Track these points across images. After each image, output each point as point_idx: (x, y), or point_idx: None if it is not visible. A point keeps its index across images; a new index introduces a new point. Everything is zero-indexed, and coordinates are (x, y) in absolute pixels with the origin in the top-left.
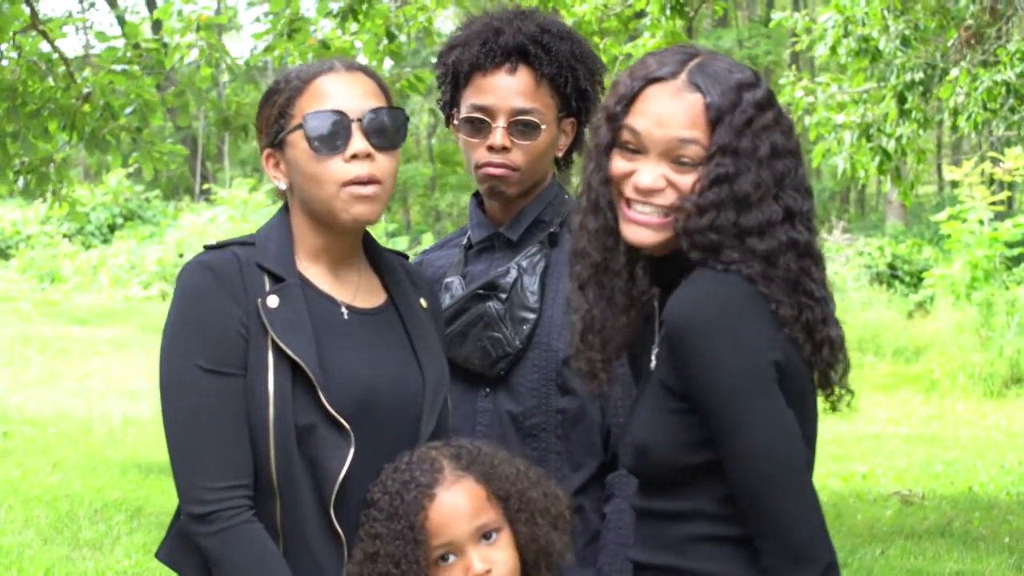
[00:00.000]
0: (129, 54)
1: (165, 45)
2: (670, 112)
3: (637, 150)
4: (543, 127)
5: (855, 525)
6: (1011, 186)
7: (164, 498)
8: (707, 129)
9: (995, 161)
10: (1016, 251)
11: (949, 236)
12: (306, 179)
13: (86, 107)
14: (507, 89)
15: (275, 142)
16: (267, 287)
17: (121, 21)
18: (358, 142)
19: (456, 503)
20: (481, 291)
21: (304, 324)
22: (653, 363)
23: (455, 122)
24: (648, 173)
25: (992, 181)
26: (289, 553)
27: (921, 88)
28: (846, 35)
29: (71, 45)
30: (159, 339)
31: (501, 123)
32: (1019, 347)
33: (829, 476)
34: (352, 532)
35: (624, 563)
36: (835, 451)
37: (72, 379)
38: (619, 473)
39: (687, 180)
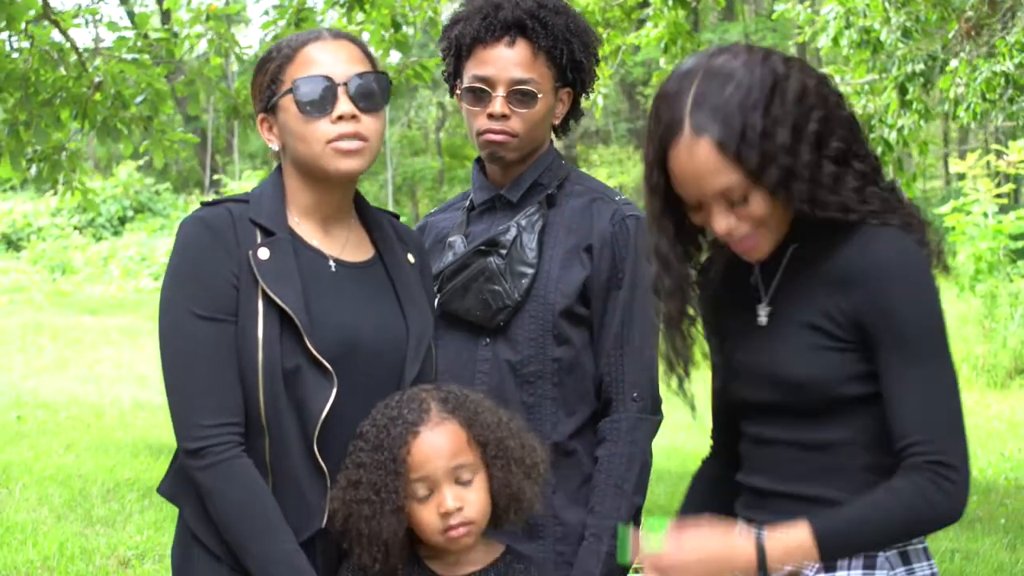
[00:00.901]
0: (140, 43)
1: (175, 35)
2: (696, 170)
3: (697, 207)
4: (540, 96)
5: None
6: (1016, 179)
7: None
8: (735, 163)
9: (999, 154)
10: (1020, 243)
11: (953, 228)
12: (296, 139)
13: (97, 96)
14: (506, 60)
15: (268, 106)
16: (258, 240)
17: (131, 15)
18: (344, 104)
19: (437, 442)
20: (483, 247)
21: (292, 275)
22: (764, 314)
23: (458, 92)
24: (719, 223)
25: (997, 173)
26: (276, 487)
27: (922, 79)
28: (848, 27)
29: (82, 37)
30: None
31: (501, 92)
32: (1023, 339)
33: None
34: (334, 467)
35: (616, 501)
36: None
37: (83, 366)
38: (610, 419)
39: (753, 208)
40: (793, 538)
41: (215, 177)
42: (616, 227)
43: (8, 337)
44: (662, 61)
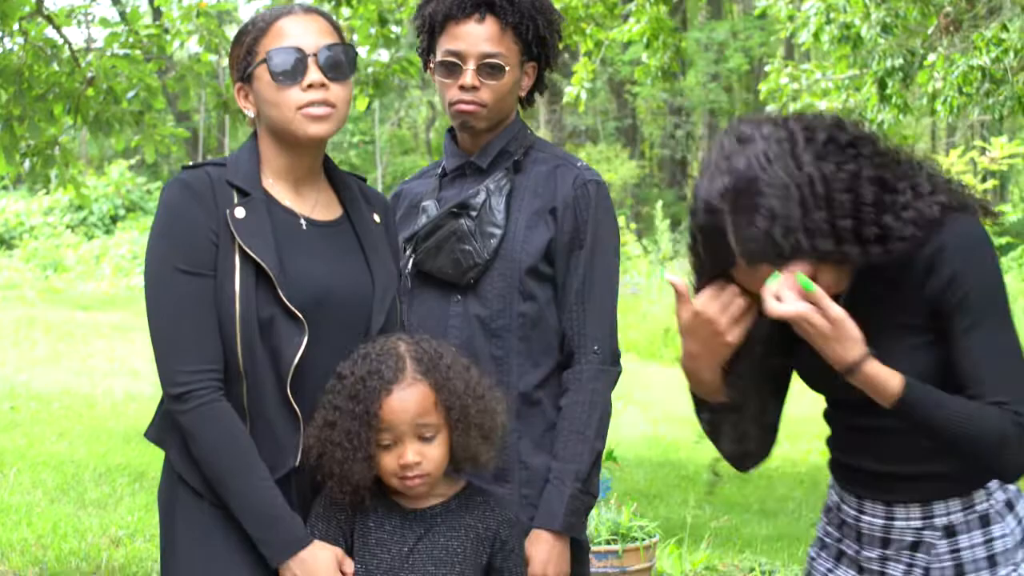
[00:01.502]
0: (131, 40)
1: (167, 31)
2: (760, 285)
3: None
4: (507, 69)
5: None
6: (999, 175)
7: None
8: (780, 261)
9: (982, 150)
10: (1004, 240)
11: None
12: (270, 106)
13: (90, 91)
14: (476, 36)
15: (244, 76)
16: (235, 200)
17: (123, 15)
18: (313, 74)
19: (407, 401)
20: (454, 210)
21: (266, 232)
22: None
23: (431, 66)
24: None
25: (983, 170)
26: (253, 429)
27: (901, 74)
28: (828, 22)
29: (75, 35)
30: None
31: (471, 65)
32: None
33: (811, 451)
34: (307, 410)
35: (578, 447)
36: (816, 430)
37: (76, 359)
38: (572, 370)
39: (820, 281)
40: (887, 372)
41: None
42: (578, 191)
43: (1, 332)
44: (644, 56)
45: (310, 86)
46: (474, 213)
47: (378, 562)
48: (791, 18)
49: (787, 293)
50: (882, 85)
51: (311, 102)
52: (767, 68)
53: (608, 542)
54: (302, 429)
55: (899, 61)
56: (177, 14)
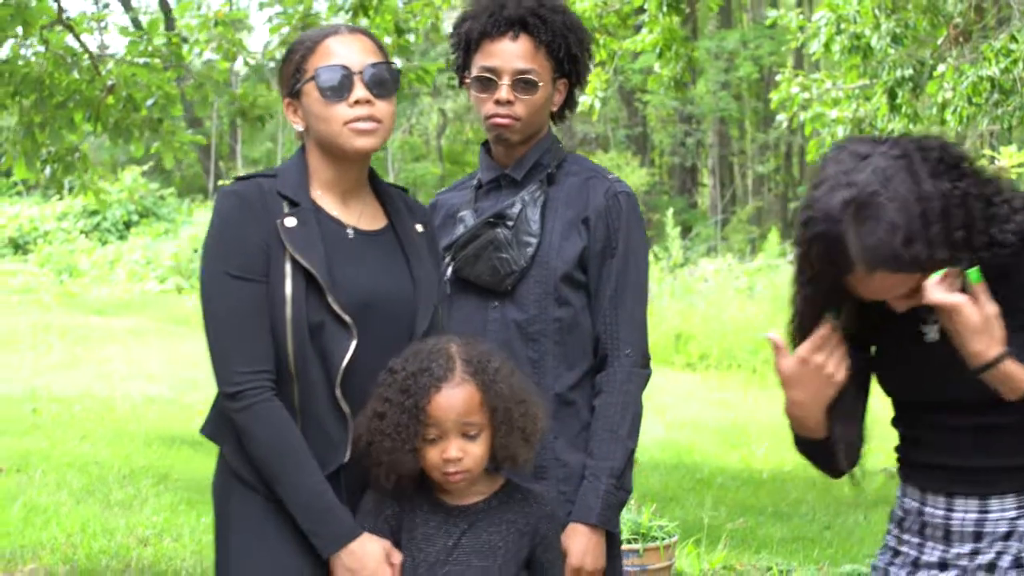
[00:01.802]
0: (150, 48)
1: (184, 40)
2: (876, 291)
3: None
4: (540, 84)
5: (842, 495)
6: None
7: (189, 466)
8: (907, 275)
9: (991, 159)
10: None
11: None
12: (318, 120)
13: (110, 99)
14: (510, 53)
15: (293, 92)
16: (285, 210)
17: (136, 23)
18: (359, 91)
19: (455, 399)
20: (492, 220)
21: (316, 241)
22: (935, 331)
23: (467, 81)
24: (901, 306)
25: None
26: (304, 427)
27: (911, 84)
28: (839, 33)
29: (94, 43)
30: (177, 328)
31: (506, 81)
32: None
33: None
34: (355, 409)
35: (612, 445)
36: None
37: (93, 363)
38: (606, 373)
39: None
40: (1022, 368)
41: (219, 183)
42: (610, 201)
43: (19, 336)
44: (656, 66)
45: (356, 102)
46: (511, 223)
47: (424, 555)
48: (802, 28)
49: (945, 285)
50: (892, 95)
51: (357, 117)
52: (778, 77)
53: (629, 541)
54: (350, 427)
55: (909, 71)
56: (195, 23)
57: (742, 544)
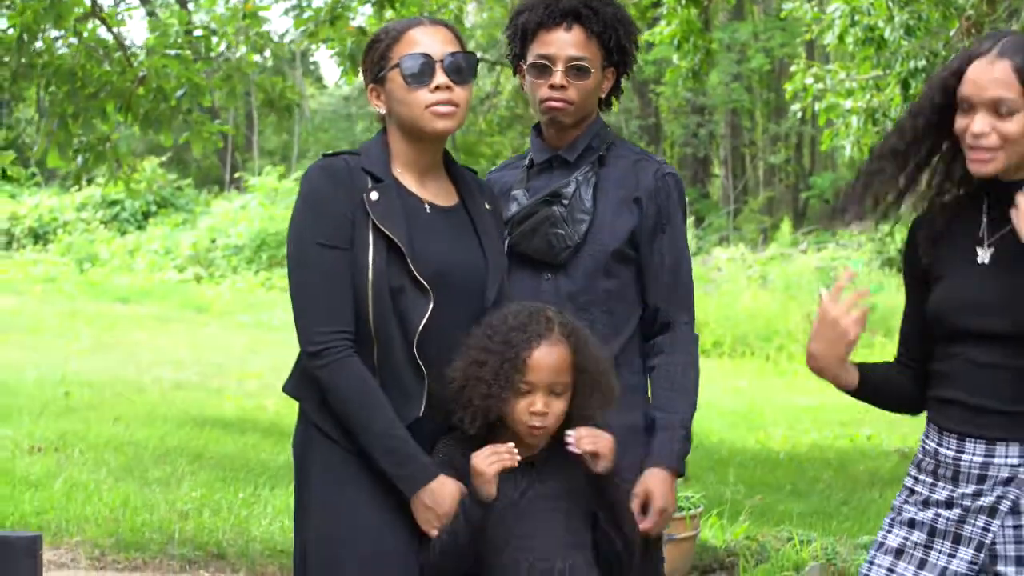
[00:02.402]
0: (180, 40)
1: (213, 32)
2: (988, 78)
3: (967, 109)
4: (592, 71)
5: (857, 474)
6: None
7: (221, 446)
8: (1019, 84)
9: None
10: None
11: None
12: (401, 105)
13: (140, 90)
14: (564, 42)
15: (377, 78)
16: (370, 185)
17: (151, 14)
18: (440, 77)
19: (550, 356)
20: (548, 198)
21: (397, 213)
22: (988, 254)
23: (522, 69)
24: (978, 124)
25: None
26: (382, 383)
27: (924, 75)
28: (853, 25)
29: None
30: (199, 316)
31: (560, 67)
32: None
33: (837, 437)
34: (430, 368)
35: (681, 400)
36: (843, 418)
37: (120, 349)
38: (669, 335)
39: (1011, 126)
40: None
41: (236, 175)
42: (659, 182)
43: (46, 324)
44: (675, 58)
45: (437, 87)
46: (566, 201)
47: (491, 505)
48: (816, 20)
49: None
50: (905, 85)
51: (438, 101)
52: (792, 69)
53: None
54: (427, 384)
55: (922, 62)
56: (225, 15)
57: (762, 518)
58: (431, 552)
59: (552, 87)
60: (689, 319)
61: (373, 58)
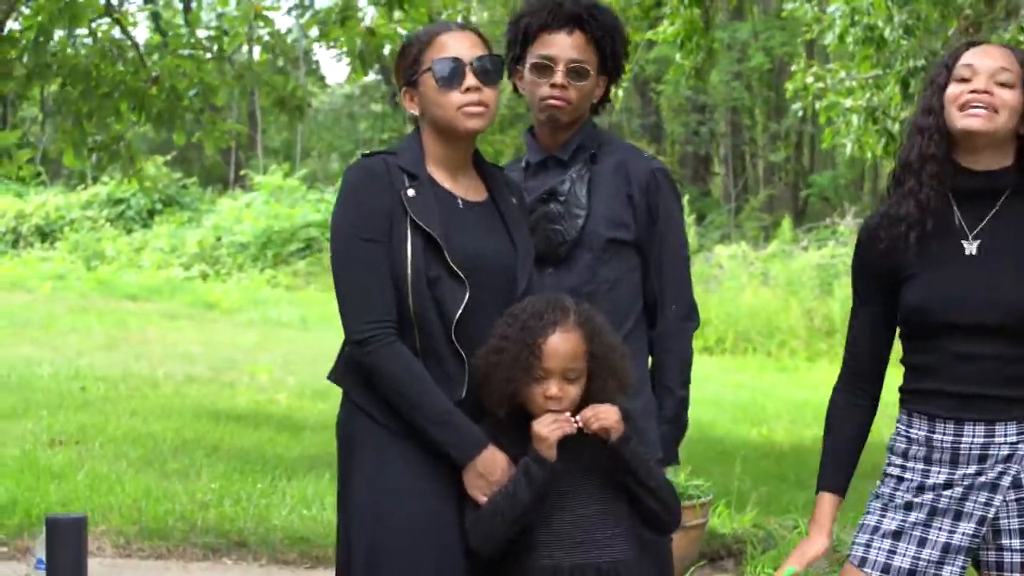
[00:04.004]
0: (193, 40)
1: (225, 32)
2: (991, 54)
3: (968, 78)
4: (591, 74)
5: (860, 463)
6: None
7: (236, 439)
8: (1017, 66)
9: None
10: None
11: None
12: (434, 106)
13: (153, 90)
14: (565, 44)
15: (410, 82)
16: (406, 182)
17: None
18: (470, 79)
19: (564, 343)
20: (544, 196)
21: (433, 208)
22: (975, 246)
23: (519, 71)
24: (978, 83)
25: None
26: (426, 366)
27: (923, 74)
28: (853, 24)
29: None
30: (208, 313)
31: (561, 68)
32: None
33: None
34: (469, 352)
35: (666, 399)
36: None
37: (132, 344)
38: (656, 331)
39: (1008, 96)
40: None
41: (240, 173)
42: (648, 177)
43: (58, 320)
44: (678, 56)
45: (467, 89)
46: (562, 198)
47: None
48: (817, 20)
49: None
50: (905, 84)
51: (468, 102)
52: (792, 68)
53: None
54: (467, 367)
55: (921, 61)
56: (236, 15)
57: (768, 507)
58: (484, 516)
59: (553, 86)
60: (679, 306)
61: (406, 63)
